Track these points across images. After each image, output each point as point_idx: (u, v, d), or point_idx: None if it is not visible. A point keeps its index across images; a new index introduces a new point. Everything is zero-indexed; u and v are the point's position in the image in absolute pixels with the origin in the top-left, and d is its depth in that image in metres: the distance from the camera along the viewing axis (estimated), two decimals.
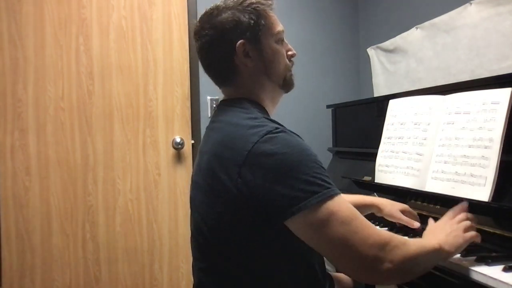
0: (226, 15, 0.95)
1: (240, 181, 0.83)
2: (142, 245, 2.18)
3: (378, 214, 1.27)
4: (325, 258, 1.02)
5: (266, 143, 0.83)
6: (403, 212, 1.23)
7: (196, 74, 2.29)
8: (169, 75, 2.21)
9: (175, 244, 2.23)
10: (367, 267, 0.79)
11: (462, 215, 0.99)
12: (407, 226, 1.21)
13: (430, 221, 1.03)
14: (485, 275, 0.86)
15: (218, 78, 1.03)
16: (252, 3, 0.96)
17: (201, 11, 2.50)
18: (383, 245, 0.79)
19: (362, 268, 0.80)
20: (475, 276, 0.89)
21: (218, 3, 0.98)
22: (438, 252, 0.87)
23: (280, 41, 1.01)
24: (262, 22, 0.96)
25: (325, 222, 0.79)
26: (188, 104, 2.24)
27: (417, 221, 1.21)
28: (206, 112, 2.32)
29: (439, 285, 0.99)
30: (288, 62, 1.03)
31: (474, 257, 0.95)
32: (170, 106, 2.21)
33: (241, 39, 0.94)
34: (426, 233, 0.97)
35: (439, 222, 1.00)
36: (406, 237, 0.87)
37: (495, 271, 0.87)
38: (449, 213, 1.01)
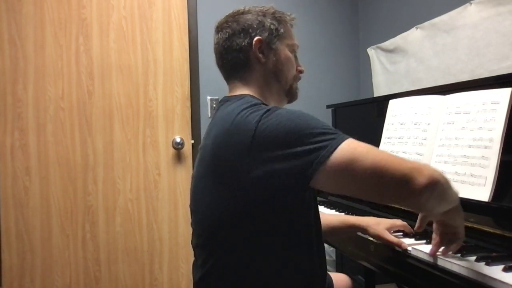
0: (251, 15, 1.03)
1: (254, 162, 0.84)
2: (142, 245, 2.18)
3: (365, 235, 1.21)
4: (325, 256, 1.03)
5: (269, 118, 0.85)
6: (391, 229, 1.17)
7: (196, 74, 2.29)
8: (169, 75, 2.21)
9: (175, 244, 2.23)
10: (403, 187, 0.81)
11: None
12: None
13: None
14: (485, 275, 0.86)
15: (230, 68, 1.04)
16: (275, 13, 1.05)
17: (201, 11, 2.51)
18: (410, 164, 0.82)
19: (399, 190, 0.82)
20: (475, 276, 0.88)
21: (245, 7, 1.06)
22: (457, 197, 0.89)
23: (293, 53, 1.08)
24: (282, 30, 1.04)
25: (352, 161, 0.81)
26: (188, 104, 2.24)
27: (411, 232, 1.17)
28: (206, 112, 2.33)
29: (439, 285, 0.99)
30: (296, 74, 1.09)
31: (474, 257, 0.95)
32: (170, 106, 2.21)
33: (259, 36, 1.01)
34: None
35: None
36: None
37: (495, 271, 0.87)
38: None
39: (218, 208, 0.91)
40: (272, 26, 1.02)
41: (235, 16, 1.04)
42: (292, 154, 0.82)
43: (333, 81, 2.63)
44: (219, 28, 1.05)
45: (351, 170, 0.81)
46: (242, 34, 1.01)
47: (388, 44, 2.33)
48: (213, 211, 0.92)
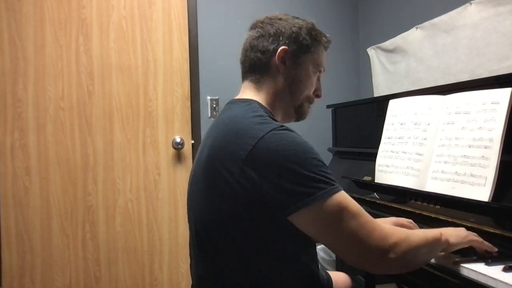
0: (288, 24, 1.02)
1: (243, 175, 0.84)
2: (142, 245, 2.18)
3: None
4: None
5: (271, 140, 0.84)
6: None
7: (196, 74, 2.29)
8: (169, 75, 2.21)
9: (175, 244, 2.23)
10: (373, 258, 0.83)
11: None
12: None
13: None
14: (485, 275, 0.86)
15: (249, 67, 1.04)
16: (312, 30, 1.04)
17: (201, 11, 2.50)
18: (387, 238, 0.83)
19: (368, 259, 0.84)
20: (475, 276, 0.89)
21: (287, 15, 1.05)
22: (439, 240, 0.92)
23: (317, 75, 1.07)
24: (313, 49, 1.03)
25: (334, 219, 0.82)
26: (188, 104, 2.24)
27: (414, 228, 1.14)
28: (206, 112, 2.32)
29: (439, 285, 0.99)
30: (312, 95, 1.07)
31: (474, 257, 0.95)
32: (170, 106, 2.21)
33: (286, 46, 1.00)
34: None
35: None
36: (408, 230, 0.90)
37: (495, 271, 0.87)
38: None
39: (210, 210, 0.91)
40: (304, 42, 1.01)
41: (272, 19, 1.03)
42: (279, 186, 0.81)
43: (333, 81, 2.63)
44: (253, 26, 1.05)
45: (329, 226, 0.82)
46: (271, 39, 1.00)
47: (388, 44, 2.33)
48: (205, 213, 0.92)
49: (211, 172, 0.90)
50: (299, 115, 1.08)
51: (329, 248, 0.86)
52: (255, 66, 1.02)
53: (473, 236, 0.98)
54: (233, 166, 0.85)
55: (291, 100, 1.04)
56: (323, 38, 1.06)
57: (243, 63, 1.06)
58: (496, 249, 0.96)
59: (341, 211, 0.81)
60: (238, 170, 0.84)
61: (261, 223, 0.86)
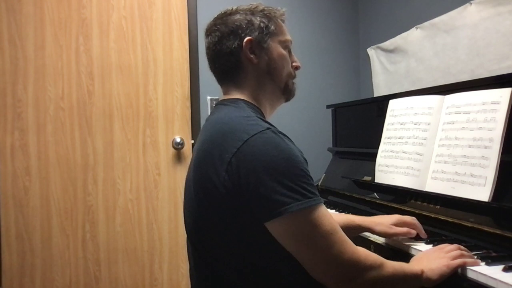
0: (238, 15, 1.00)
1: (227, 178, 0.83)
2: (142, 245, 2.18)
3: (373, 234, 1.22)
4: None
5: (256, 143, 0.83)
6: (396, 224, 1.14)
7: (196, 74, 2.29)
8: (169, 75, 2.21)
9: (175, 244, 2.23)
10: (339, 280, 0.82)
11: (453, 246, 0.98)
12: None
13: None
14: (485, 275, 0.86)
15: (223, 72, 1.03)
16: (264, 9, 1.02)
17: (201, 11, 2.50)
18: (357, 263, 0.82)
19: (334, 280, 0.83)
20: (475, 276, 0.89)
21: (233, 6, 1.03)
22: (419, 278, 0.89)
23: (287, 49, 1.05)
24: (272, 27, 1.01)
25: (305, 233, 0.81)
26: (188, 104, 2.24)
27: (417, 227, 1.14)
28: (206, 112, 2.33)
29: (438, 284, 0.99)
30: (291, 70, 1.06)
31: (474, 257, 0.95)
32: (170, 106, 2.21)
33: (249, 36, 0.98)
34: (412, 259, 0.98)
35: (428, 250, 1.02)
36: (384, 259, 0.87)
37: (495, 271, 0.87)
38: (441, 245, 1.01)
39: (201, 214, 0.91)
40: (262, 24, 0.99)
41: (223, 18, 1.01)
42: (258, 191, 0.81)
43: (333, 81, 2.63)
44: (208, 32, 1.03)
45: (297, 241, 0.82)
46: (231, 36, 0.98)
47: (388, 44, 2.33)
48: (197, 216, 0.92)
49: (201, 175, 0.90)
50: (288, 94, 1.06)
51: (299, 261, 0.84)
52: (228, 69, 1.01)
53: (457, 261, 0.92)
54: (220, 169, 0.85)
55: (275, 85, 1.03)
56: (277, 12, 1.03)
57: (215, 71, 1.05)
58: (479, 262, 0.93)
59: (313, 226, 0.80)
60: (224, 173, 0.84)
61: (251, 225, 0.85)
